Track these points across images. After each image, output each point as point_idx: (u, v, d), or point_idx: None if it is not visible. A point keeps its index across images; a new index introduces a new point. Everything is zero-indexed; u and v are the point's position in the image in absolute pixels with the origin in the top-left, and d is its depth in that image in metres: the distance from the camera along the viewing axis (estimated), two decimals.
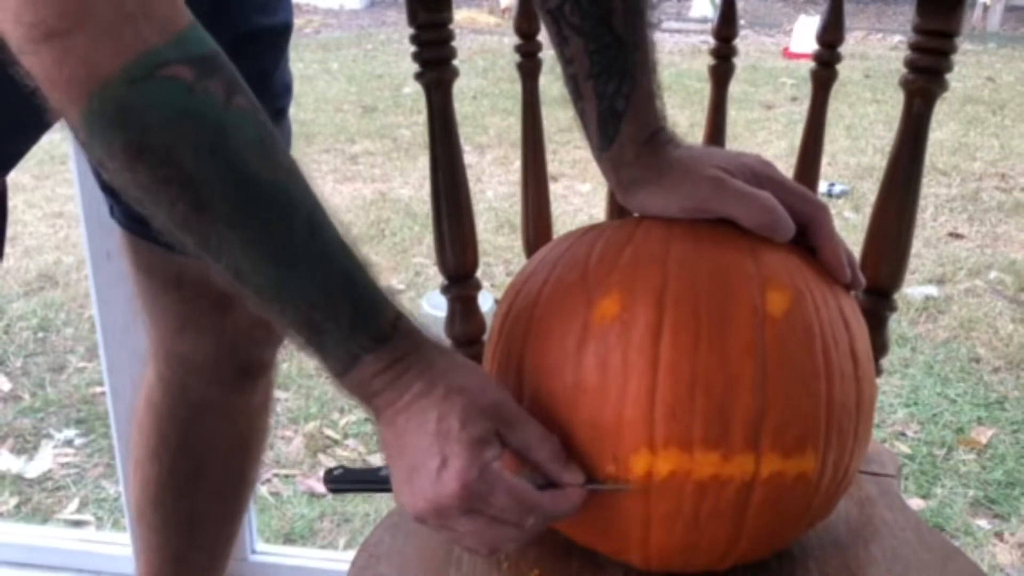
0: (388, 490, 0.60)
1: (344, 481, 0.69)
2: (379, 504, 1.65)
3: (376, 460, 1.81)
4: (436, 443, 0.55)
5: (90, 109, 0.48)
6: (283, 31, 0.87)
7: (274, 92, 0.88)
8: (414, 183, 3.49)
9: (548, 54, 0.75)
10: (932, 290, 2.54)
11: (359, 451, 1.85)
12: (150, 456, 1.03)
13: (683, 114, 4.19)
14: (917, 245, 2.46)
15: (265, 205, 0.52)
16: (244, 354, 0.99)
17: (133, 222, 0.90)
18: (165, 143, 0.49)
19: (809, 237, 0.64)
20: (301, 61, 5.67)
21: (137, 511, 1.08)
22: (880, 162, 3.12)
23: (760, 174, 0.65)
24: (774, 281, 0.59)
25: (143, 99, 0.48)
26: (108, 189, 0.90)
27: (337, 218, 0.56)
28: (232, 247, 0.52)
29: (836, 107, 4.20)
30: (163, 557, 1.08)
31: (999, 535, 1.59)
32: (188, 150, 0.49)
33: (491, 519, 0.56)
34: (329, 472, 0.69)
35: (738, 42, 0.83)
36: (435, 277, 0.88)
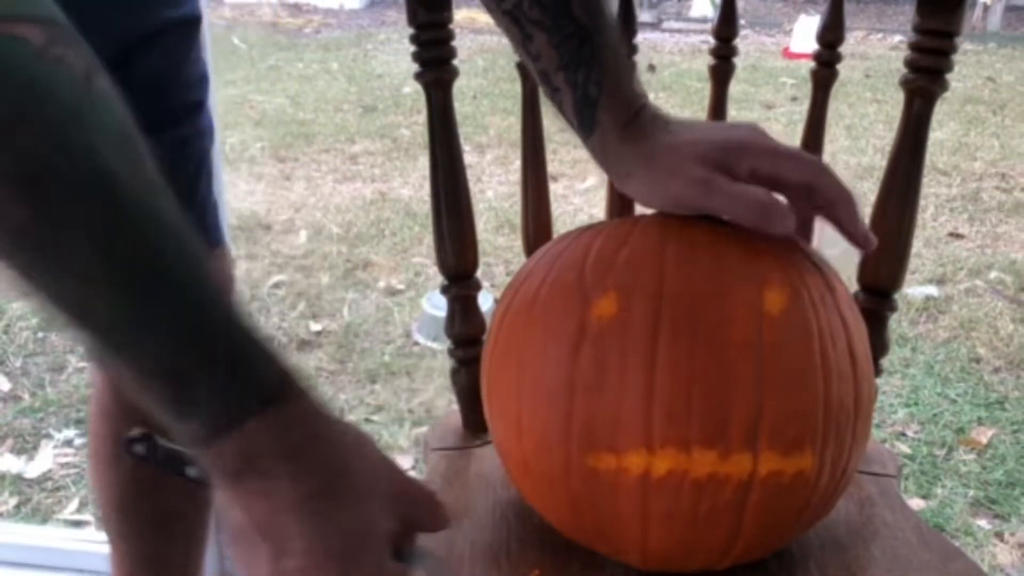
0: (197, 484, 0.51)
1: (147, 458, 0.56)
2: None
3: None
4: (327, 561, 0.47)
5: None
6: (192, 21, 0.85)
7: (189, 84, 0.87)
8: (414, 183, 3.49)
9: None
10: (932, 290, 2.54)
11: None
12: (109, 461, 1.00)
13: (683, 114, 4.17)
14: (917, 245, 2.45)
15: (128, 214, 0.42)
16: None
17: None
18: (2, 119, 0.38)
19: (816, 200, 0.63)
20: (301, 61, 5.67)
21: (104, 519, 1.05)
22: (880, 162, 3.12)
23: (752, 146, 0.63)
24: (771, 280, 0.59)
25: None
26: None
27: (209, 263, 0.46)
28: (81, 264, 0.41)
29: (836, 107, 4.19)
30: (137, 561, 1.05)
31: (999, 535, 1.59)
32: (33, 131, 0.39)
33: None
34: (129, 440, 0.55)
35: (738, 42, 0.83)
36: (435, 277, 0.88)
